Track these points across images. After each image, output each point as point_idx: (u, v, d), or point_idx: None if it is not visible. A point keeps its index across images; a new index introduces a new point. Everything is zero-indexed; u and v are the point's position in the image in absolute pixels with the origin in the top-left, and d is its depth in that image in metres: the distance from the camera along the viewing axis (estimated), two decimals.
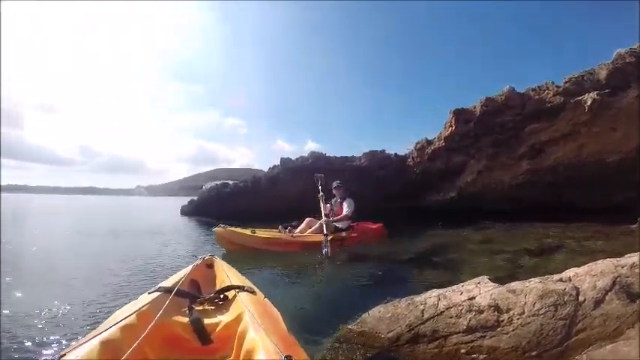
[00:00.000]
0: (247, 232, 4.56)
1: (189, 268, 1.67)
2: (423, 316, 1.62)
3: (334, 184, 5.57)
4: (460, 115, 8.41)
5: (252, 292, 1.41)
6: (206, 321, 1.21)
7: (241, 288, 1.41)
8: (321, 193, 5.27)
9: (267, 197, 9.65)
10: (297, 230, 5.09)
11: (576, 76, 6.92)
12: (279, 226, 5.09)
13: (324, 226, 4.68)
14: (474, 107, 8.20)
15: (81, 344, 0.92)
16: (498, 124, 7.83)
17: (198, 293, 1.46)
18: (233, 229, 4.57)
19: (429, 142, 9.02)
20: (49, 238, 6.52)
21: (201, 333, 1.16)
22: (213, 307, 1.35)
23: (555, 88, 7.06)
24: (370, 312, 1.83)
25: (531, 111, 7.24)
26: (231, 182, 12.12)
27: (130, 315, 1.09)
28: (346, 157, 9.45)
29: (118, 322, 1.04)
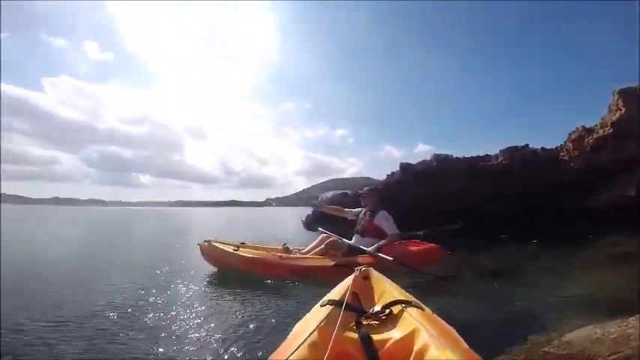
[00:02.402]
0: (230, 248, 3.91)
1: (350, 280, 1.64)
2: None
3: (364, 190, 4.35)
4: (628, 95, 6.63)
5: (420, 308, 1.32)
6: (374, 337, 1.18)
7: (408, 303, 1.34)
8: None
9: (386, 205, 9.52)
10: (306, 249, 4.14)
11: None
12: (283, 244, 4.29)
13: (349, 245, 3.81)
14: None
15: None
16: None
17: (361, 307, 1.44)
18: (217, 244, 4.00)
19: (589, 131, 7.33)
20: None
21: (370, 350, 1.12)
22: (377, 323, 1.30)
23: None
24: (576, 332, 1.51)
25: None
26: (349, 192, 12.44)
27: (313, 331, 1.12)
28: (479, 156, 8.44)
29: (305, 339, 1.07)
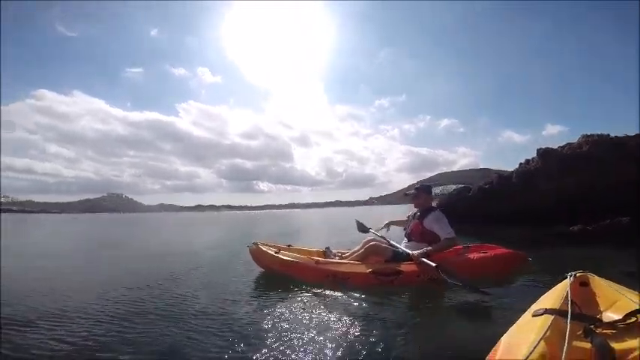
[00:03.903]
0: (271, 251, 3.86)
1: (564, 286, 1.48)
2: None
3: (412, 189, 3.81)
4: None
5: None
6: (615, 346, 1.07)
7: None
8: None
9: (520, 197, 8.33)
10: (348, 253, 3.88)
11: None
12: (326, 247, 4.10)
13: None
14: None
15: None
16: None
17: (587, 315, 1.31)
18: (263, 246, 3.97)
19: None
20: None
21: None
22: (614, 332, 1.18)
23: None
24: None
25: None
26: (467, 186, 11.43)
27: (539, 342, 1.07)
28: None
29: (532, 351, 1.03)
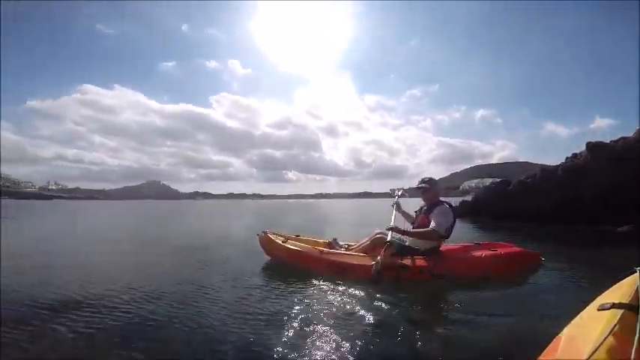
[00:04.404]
0: (279, 240, 3.96)
1: (633, 280, 1.41)
2: None
3: (423, 181, 3.75)
4: None
5: None
6: None
7: None
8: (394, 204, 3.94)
9: (564, 194, 7.90)
10: (355, 245, 3.88)
11: None
12: (332, 238, 4.12)
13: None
14: None
15: None
16: None
17: None
18: (271, 235, 4.07)
19: None
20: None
21: None
22: None
23: None
24: None
25: None
26: (505, 179, 10.96)
27: (607, 336, 1.06)
28: None
29: (600, 345, 1.02)
